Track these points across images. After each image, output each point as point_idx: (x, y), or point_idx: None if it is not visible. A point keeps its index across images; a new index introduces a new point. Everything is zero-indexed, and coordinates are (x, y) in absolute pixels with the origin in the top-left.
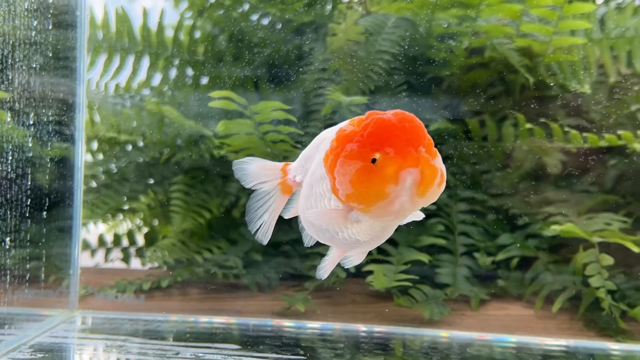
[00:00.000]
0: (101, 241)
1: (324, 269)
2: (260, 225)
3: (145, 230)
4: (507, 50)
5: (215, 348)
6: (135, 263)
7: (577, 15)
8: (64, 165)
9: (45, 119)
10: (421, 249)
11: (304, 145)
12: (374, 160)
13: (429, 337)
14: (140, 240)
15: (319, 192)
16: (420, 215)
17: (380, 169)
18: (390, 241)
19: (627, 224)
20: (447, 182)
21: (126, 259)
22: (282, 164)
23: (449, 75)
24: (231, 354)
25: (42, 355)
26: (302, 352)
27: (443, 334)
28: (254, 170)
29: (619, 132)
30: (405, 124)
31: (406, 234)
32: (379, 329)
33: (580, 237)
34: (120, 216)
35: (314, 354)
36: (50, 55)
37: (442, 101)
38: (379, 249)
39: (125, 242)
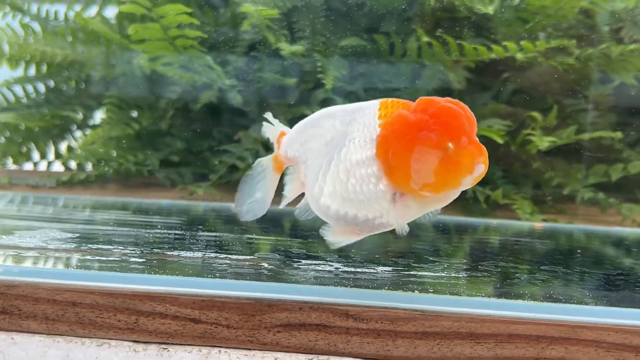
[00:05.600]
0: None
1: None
2: (249, 203)
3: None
4: None
5: (108, 211)
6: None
7: None
8: None
9: None
10: None
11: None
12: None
13: None
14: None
15: (361, 176)
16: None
17: (459, 160)
18: None
19: (511, 127)
20: (360, 95)
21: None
22: (279, 131)
23: None
24: (119, 215)
25: None
26: (185, 218)
27: None
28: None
29: (504, 43)
30: (469, 114)
31: None
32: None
33: None
34: (58, 129)
35: (193, 219)
36: None
37: (360, 23)
38: None
39: (62, 148)
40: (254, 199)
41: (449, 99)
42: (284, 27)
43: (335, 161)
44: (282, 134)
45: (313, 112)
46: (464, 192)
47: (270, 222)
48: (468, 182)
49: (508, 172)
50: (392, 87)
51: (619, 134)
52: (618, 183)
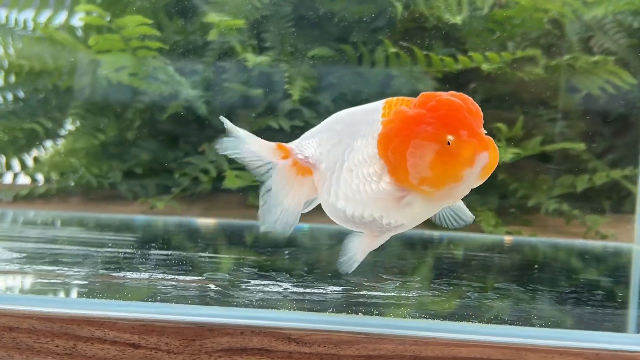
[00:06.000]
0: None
1: (351, 262)
2: (280, 214)
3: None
4: None
5: (62, 228)
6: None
7: None
8: None
9: None
10: None
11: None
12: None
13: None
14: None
15: (363, 176)
16: (470, 217)
17: (458, 152)
18: None
19: None
20: (327, 106)
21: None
22: (273, 143)
23: (339, 9)
24: (72, 232)
25: None
26: (141, 234)
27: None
28: (245, 149)
29: (470, 54)
30: (471, 107)
31: None
32: (230, 220)
33: None
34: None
35: (150, 235)
36: None
37: (332, 32)
38: None
39: (29, 161)
40: (283, 208)
41: (453, 92)
42: (252, 37)
43: (340, 162)
44: (280, 145)
45: (279, 123)
46: None
47: (229, 239)
48: (472, 176)
49: None
50: (360, 98)
51: (582, 146)
52: (584, 193)
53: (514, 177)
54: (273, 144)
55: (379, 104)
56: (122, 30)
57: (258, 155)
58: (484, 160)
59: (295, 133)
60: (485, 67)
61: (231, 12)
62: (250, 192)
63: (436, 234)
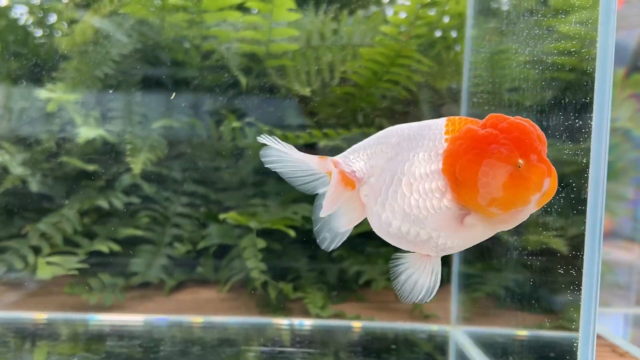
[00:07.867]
0: None
1: (430, 291)
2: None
3: None
4: (231, 54)
5: None
6: None
7: (291, 23)
8: None
9: None
10: (120, 240)
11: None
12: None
13: (102, 321)
14: None
15: (424, 191)
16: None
17: (529, 176)
18: (87, 233)
19: None
20: (174, 178)
21: None
22: (315, 156)
23: (190, 76)
24: None
25: None
26: None
27: (122, 318)
28: (292, 159)
29: (309, 131)
30: (539, 133)
31: (102, 227)
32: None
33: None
34: None
35: None
36: None
37: (184, 101)
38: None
39: None
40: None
41: (519, 117)
42: (94, 108)
43: (399, 175)
44: (323, 157)
45: (109, 200)
46: (253, 288)
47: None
48: (535, 202)
49: (314, 259)
50: (212, 166)
51: None
52: None
53: (352, 251)
54: (315, 157)
55: (441, 121)
56: None
57: (303, 166)
58: (546, 186)
59: (129, 210)
60: (323, 143)
61: (70, 83)
62: (66, 280)
63: (259, 320)
